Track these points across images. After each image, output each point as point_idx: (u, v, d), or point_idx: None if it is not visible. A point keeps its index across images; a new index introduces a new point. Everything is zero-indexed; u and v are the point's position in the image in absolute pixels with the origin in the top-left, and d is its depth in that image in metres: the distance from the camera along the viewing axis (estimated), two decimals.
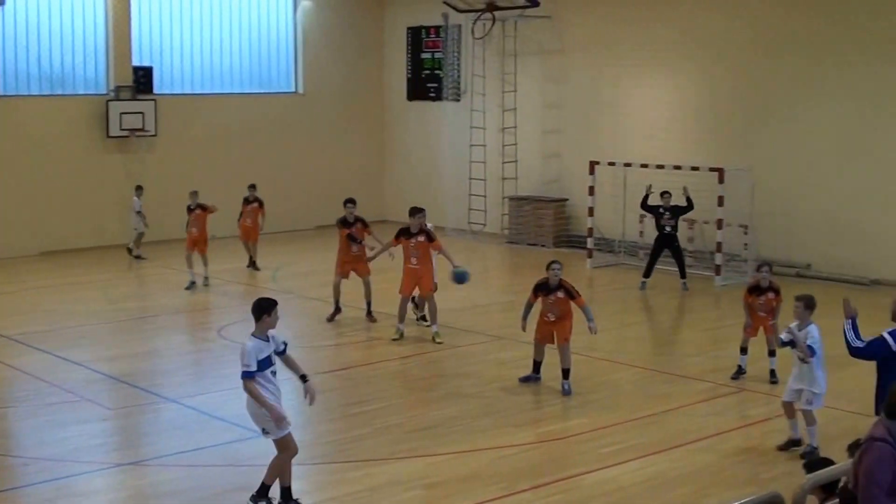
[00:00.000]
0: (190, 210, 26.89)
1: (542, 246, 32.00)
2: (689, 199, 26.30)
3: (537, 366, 18.18)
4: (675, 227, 26.32)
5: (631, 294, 26.25)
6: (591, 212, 29.11)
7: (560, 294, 17.98)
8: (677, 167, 27.75)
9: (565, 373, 17.74)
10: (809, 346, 14.62)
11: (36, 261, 30.06)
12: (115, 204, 31.70)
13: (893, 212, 26.08)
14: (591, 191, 28.98)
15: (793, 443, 14.82)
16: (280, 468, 12.66)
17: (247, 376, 12.42)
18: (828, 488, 9.31)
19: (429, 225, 21.34)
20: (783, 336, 14.81)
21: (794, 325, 14.82)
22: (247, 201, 28.83)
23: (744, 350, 18.45)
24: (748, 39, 28.31)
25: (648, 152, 29.37)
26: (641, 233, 29.45)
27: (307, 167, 36.35)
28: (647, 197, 26.72)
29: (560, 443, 15.17)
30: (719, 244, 26.70)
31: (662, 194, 26.38)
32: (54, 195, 31.58)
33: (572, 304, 18.01)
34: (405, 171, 37.70)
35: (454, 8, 33.69)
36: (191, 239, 26.56)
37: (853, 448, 9.61)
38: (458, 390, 18.07)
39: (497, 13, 32.50)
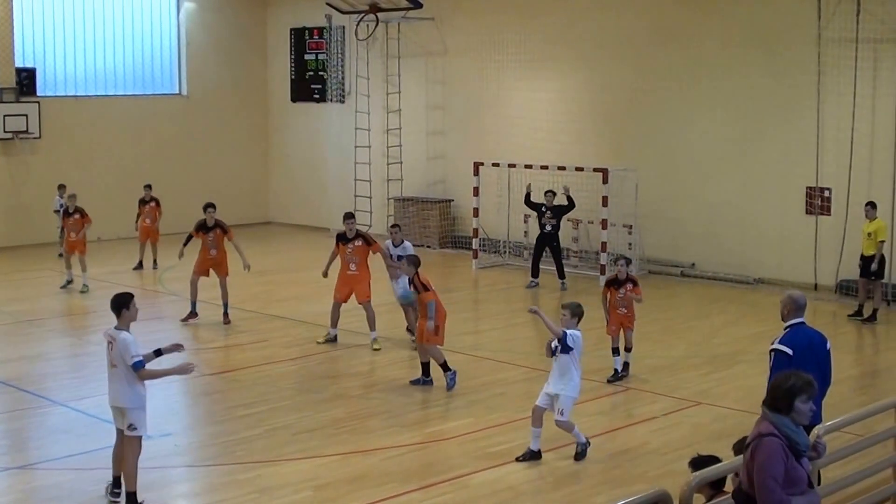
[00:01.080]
0: (68, 214, 26.70)
1: (428, 247, 32.14)
2: (569, 199, 26.63)
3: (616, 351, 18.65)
4: (556, 227, 26.66)
5: (517, 294, 26.50)
6: (476, 212, 29.34)
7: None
8: (561, 168, 28.06)
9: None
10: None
11: None
12: (0, 207, 31.27)
13: (776, 211, 26.57)
14: (476, 192, 29.22)
15: (533, 454, 14.57)
16: (136, 468, 12.71)
17: (140, 366, 12.40)
18: (714, 485, 9.53)
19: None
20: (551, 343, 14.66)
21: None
22: (143, 202, 28.86)
23: (615, 351, 18.67)
24: (633, 37, 28.67)
25: (532, 153, 29.62)
26: (526, 233, 29.75)
27: (192, 169, 36.18)
28: (528, 194, 27.08)
29: (448, 442, 15.27)
30: (604, 244, 27.07)
31: (545, 193, 26.70)
32: None
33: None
34: (290, 173, 37.67)
35: (337, 9, 33.68)
36: (69, 243, 26.45)
37: (739, 446, 9.86)
38: (345, 391, 18.15)
39: (380, 15, 32.54)
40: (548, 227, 26.66)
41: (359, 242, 20.74)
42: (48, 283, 27.32)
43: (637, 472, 14.12)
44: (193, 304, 22.80)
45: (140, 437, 12.65)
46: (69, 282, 26.41)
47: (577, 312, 14.68)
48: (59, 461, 14.64)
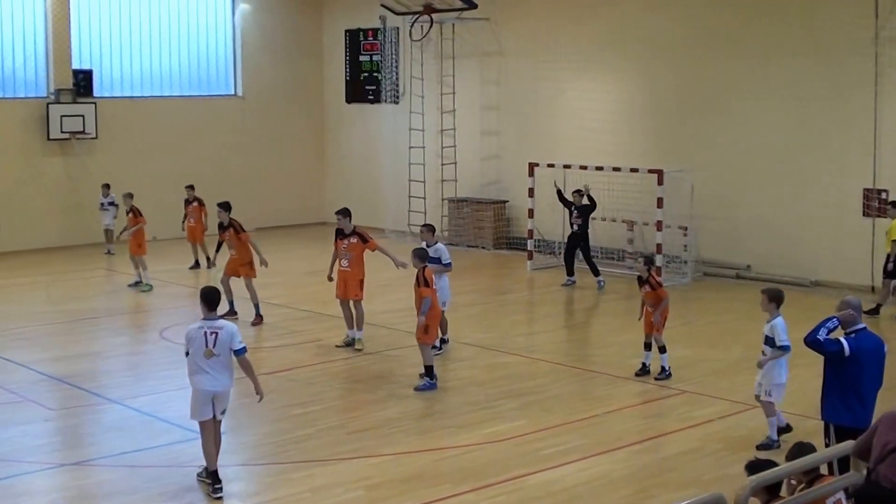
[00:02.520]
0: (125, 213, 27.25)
1: (482, 248, 32.12)
2: (590, 199, 26.71)
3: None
4: (582, 226, 26.76)
5: (571, 295, 26.42)
6: (530, 213, 29.24)
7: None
8: (616, 168, 27.93)
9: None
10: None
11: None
12: (57, 206, 31.51)
13: (832, 213, 26.31)
14: (531, 192, 29.12)
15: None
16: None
17: (245, 351, 13.40)
18: (770, 490, 9.43)
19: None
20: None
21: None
22: (187, 202, 29.03)
23: (647, 346, 18.73)
24: (688, 40, 28.47)
25: (587, 154, 29.48)
26: None
27: (247, 170, 36.29)
28: (560, 191, 27.38)
29: (503, 444, 15.21)
30: (659, 246, 26.90)
31: (573, 192, 26.87)
32: None
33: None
34: (344, 174, 37.72)
35: (392, 10, 33.73)
36: (130, 242, 26.85)
37: (794, 451, 9.79)
38: (399, 392, 18.12)
39: (435, 15, 32.56)
40: (575, 227, 26.82)
41: (354, 239, 20.52)
42: (103, 282, 27.56)
43: (692, 476, 14.03)
44: (230, 303, 22.83)
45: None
46: (138, 282, 26.73)
47: (774, 297, 15.16)
48: (113, 458, 14.74)
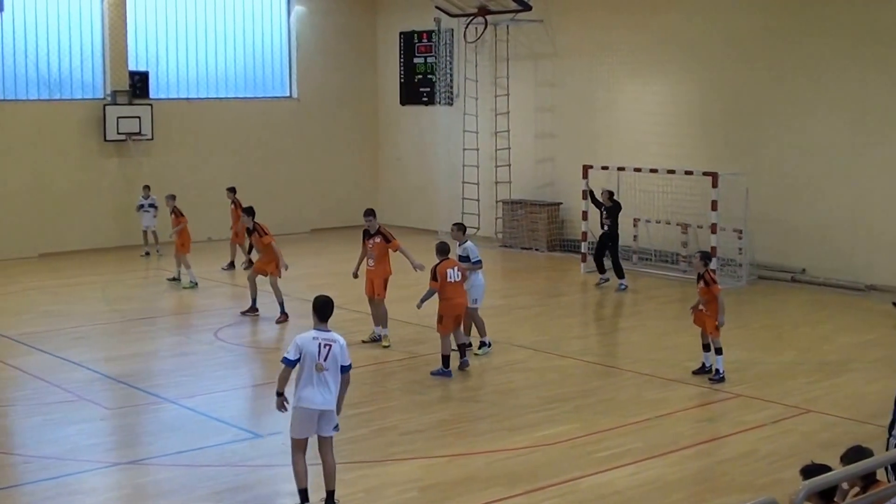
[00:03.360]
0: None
1: (536, 250, 32.12)
2: (613, 200, 26.93)
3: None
4: (610, 227, 26.80)
5: (625, 298, 26.37)
6: (584, 216, 29.18)
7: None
8: (671, 171, 27.88)
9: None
10: None
11: (35, 263, 30.14)
12: (112, 207, 31.77)
13: (889, 216, 26.12)
14: (585, 195, 29.07)
15: None
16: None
17: (350, 368, 12.77)
18: (824, 495, 9.38)
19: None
20: None
21: None
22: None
23: (705, 347, 18.73)
24: (743, 41, 28.31)
25: (641, 156, 29.43)
26: (635, 237, 29.60)
27: (302, 171, 36.48)
28: (591, 192, 27.57)
29: (556, 447, 15.21)
30: (713, 248, 26.78)
31: (602, 192, 27.06)
32: (53, 198, 31.73)
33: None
34: (398, 176, 37.83)
35: (446, 12, 33.79)
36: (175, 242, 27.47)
37: (849, 456, 9.73)
38: (453, 393, 18.20)
39: (489, 17, 32.59)
40: (605, 227, 26.91)
41: (378, 239, 20.97)
42: (159, 282, 27.74)
43: (744, 480, 13.98)
44: (253, 300, 23.68)
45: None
46: (175, 277, 27.43)
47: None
48: (169, 457, 14.85)
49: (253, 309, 23.66)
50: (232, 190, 29.69)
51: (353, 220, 35.57)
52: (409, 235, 35.31)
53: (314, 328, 12.62)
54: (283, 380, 12.64)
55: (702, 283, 18.51)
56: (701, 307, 18.58)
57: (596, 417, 16.54)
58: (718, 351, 18.50)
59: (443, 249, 19.24)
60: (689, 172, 27.58)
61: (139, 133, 32.90)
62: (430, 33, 36.09)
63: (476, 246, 20.40)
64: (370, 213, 21.51)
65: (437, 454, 14.90)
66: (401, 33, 37.18)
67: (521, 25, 32.77)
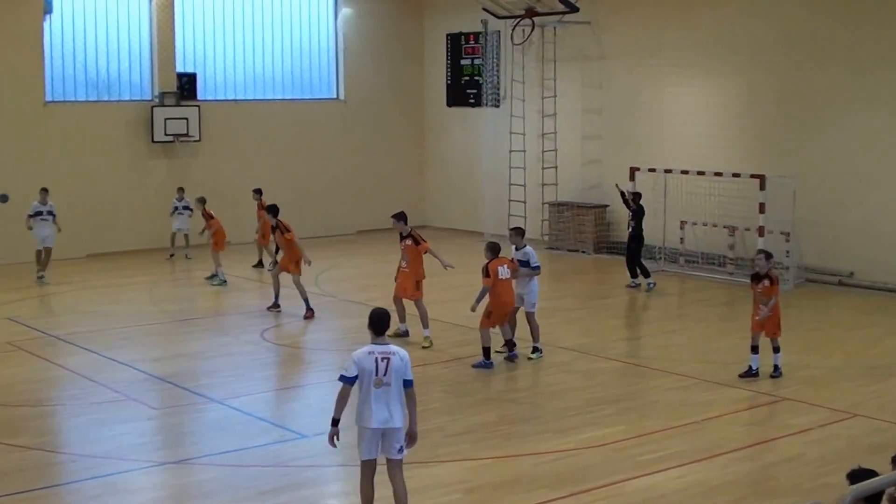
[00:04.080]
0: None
1: (583, 252, 32.05)
2: (637, 204, 27.08)
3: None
4: (634, 229, 26.96)
5: (671, 301, 26.30)
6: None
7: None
8: (718, 173, 27.76)
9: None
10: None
11: (83, 263, 30.34)
12: (160, 208, 31.93)
13: None
14: (623, 195, 28.95)
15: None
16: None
17: (412, 382, 11.95)
18: (871, 501, 9.30)
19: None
20: None
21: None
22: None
23: (754, 349, 18.69)
24: (792, 43, 28.15)
25: (689, 158, 29.33)
26: (682, 239, 29.50)
27: (348, 173, 36.58)
28: (623, 193, 27.57)
29: (600, 449, 15.16)
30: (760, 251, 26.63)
31: (632, 194, 27.29)
32: (100, 199, 31.94)
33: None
34: (445, 177, 37.85)
35: (493, 14, 33.77)
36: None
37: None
38: (497, 395, 18.20)
39: (536, 19, 32.52)
40: (629, 229, 27.21)
41: (409, 242, 21.34)
42: (205, 283, 27.82)
43: (791, 484, 13.88)
44: (276, 296, 24.33)
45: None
46: (213, 275, 27.89)
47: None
48: (214, 457, 14.91)
49: (276, 305, 24.19)
50: (258, 192, 29.70)
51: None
52: (455, 237, 35.38)
53: (371, 342, 11.83)
54: (342, 400, 11.75)
55: (766, 282, 18.50)
56: (762, 307, 18.53)
57: (641, 420, 16.48)
58: (777, 349, 18.58)
59: (493, 248, 19.49)
60: (736, 175, 27.44)
61: (186, 134, 33.08)
62: (477, 35, 36.09)
63: (534, 251, 20.40)
64: (398, 215, 21.72)
65: (482, 456, 14.87)
66: (448, 35, 37.20)
67: (568, 27, 32.70)
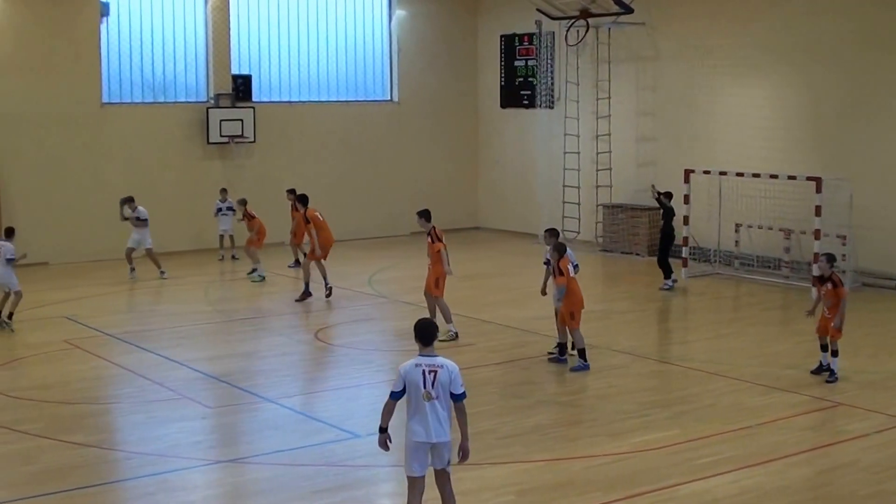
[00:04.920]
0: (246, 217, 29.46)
1: (637, 255, 31.96)
2: (662, 204, 27.25)
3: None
4: (663, 228, 27.22)
5: (726, 303, 26.20)
6: (686, 220, 28.93)
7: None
8: (773, 176, 27.59)
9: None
10: None
11: (138, 263, 30.50)
12: (215, 209, 32.03)
13: None
14: (686, 199, 28.82)
15: None
16: None
17: (465, 396, 11.68)
18: None
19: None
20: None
21: None
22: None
23: (823, 347, 18.74)
24: (850, 45, 27.89)
25: (744, 160, 29.16)
26: (737, 242, 29.35)
27: (402, 174, 36.64)
28: (659, 195, 27.64)
29: (654, 453, 15.11)
30: (816, 255, 26.42)
31: (663, 194, 27.30)
32: (156, 200, 32.02)
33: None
34: (498, 179, 37.83)
35: (547, 15, 33.73)
36: (247, 239, 29.20)
37: None
38: (550, 398, 18.16)
39: (591, 20, 32.46)
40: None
41: (429, 240, 21.79)
42: (261, 283, 27.93)
43: (846, 491, 13.79)
44: (306, 285, 25.58)
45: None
46: (253, 270, 28.53)
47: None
48: (268, 456, 14.99)
49: (307, 294, 25.45)
50: (292, 191, 29.66)
51: (452, 223, 35.73)
52: (508, 239, 35.42)
53: (418, 354, 11.61)
54: (387, 413, 11.60)
55: (829, 285, 18.56)
56: (825, 311, 18.58)
57: (695, 424, 16.40)
58: (835, 353, 18.53)
59: (560, 248, 19.50)
60: (792, 177, 27.25)
61: (241, 136, 33.25)
62: (531, 36, 36.05)
63: (573, 252, 20.38)
64: (423, 214, 22.18)
65: (535, 458, 14.86)
66: (501, 36, 37.18)
67: (623, 28, 32.62)
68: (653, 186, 28.67)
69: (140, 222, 28.43)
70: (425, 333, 11.63)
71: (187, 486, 14.05)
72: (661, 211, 27.50)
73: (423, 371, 11.42)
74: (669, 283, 27.06)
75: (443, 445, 11.54)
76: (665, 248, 27.28)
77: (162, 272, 28.58)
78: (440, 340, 20.56)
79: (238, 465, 14.78)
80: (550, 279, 20.00)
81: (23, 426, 16.24)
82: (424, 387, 11.38)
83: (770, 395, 17.97)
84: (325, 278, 25.68)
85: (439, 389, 11.41)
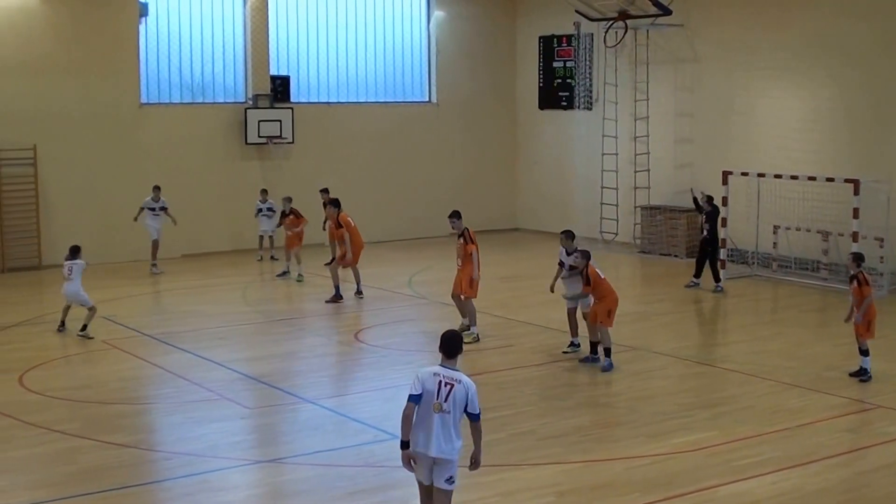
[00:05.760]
0: (285, 214, 29.36)
1: (675, 256, 31.88)
2: (711, 205, 27.17)
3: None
4: (710, 231, 27.02)
5: (765, 305, 26.12)
6: (724, 222, 28.85)
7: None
8: (811, 178, 27.49)
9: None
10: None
11: (177, 263, 30.67)
12: (253, 209, 32.14)
13: None
14: (725, 201, 28.72)
15: None
16: None
17: (479, 416, 11.26)
18: None
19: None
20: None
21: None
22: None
23: (863, 351, 18.75)
24: (887, 45, 27.82)
25: (782, 162, 29.09)
26: (775, 244, 29.27)
27: (440, 175, 36.67)
28: (695, 199, 27.64)
29: (693, 454, 15.09)
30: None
31: (706, 197, 27.31)
32: (195, 200, 32.25)
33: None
34: (536, 180, 37.82)
35: (586, 17, 33.73)
36: (287, 238, 29.13)
37: None
38: (590, 399, 18.17)
39: (629, 22, 32.46)
40: (704, 232, 27.24)
41: (461, 241, 21.96)
42: (299, 284, 28.02)
43: (886, 492, 13.78)
44: (337, 288, 25.54)
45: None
46: (285, 272, 28.80)
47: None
48: (307, 456, 15.03)
49: (338, 297, 25.49)
50: (325, 191, 29.67)
51: (490, 224, 35.78)
52: (547, 240, 35.29)
53: (440, 363, 11.22)
54: (407, 420, 11.09)
55: (854, 284, 18.57)
56: (854, 310, 18.61)
57: (734, 425, 16.37)
58: (866, 352, 18.55)
59: (586, 254, 19.70)
60: (829, 179, 27.13)
61: (280, 136, 33.34)
62: (569, 37, 36.03)
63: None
64: (454, 214, 22.38)
65: (575, 459, 14.87)
66: (540, 37, 37.17)
67: (661, 30, 32.59)
68: (692, 190, 28.55)
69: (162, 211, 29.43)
70: (451, 345, 11.23)
71: (227, 486, 14.11)
72: (704, 215, 27.25)
73: (441, 381, 11.04)
74: (720, 287, 27.03)
75: (445, 463, 11.14)
76: (715, 252, 27.23)
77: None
78: (466, 342, 20.59)
79: (277, 465, 14.83)
80: (564, 281, 20.36)
81: (61, 426, 16.33)
82: (437, 397, 11.00)
83: (808, 397, 17.92)
84: (358, 283, 26.00)
85: (451, 405, 11.01)
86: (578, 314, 20.28)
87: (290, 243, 28.84)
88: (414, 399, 11.05)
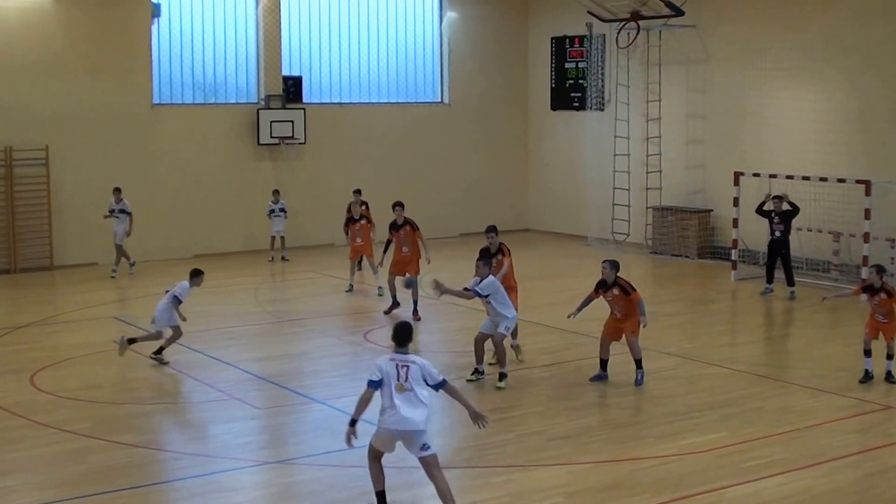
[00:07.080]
0: (354, 220, 27.79)
1: (687, 257, 31.87)
2: (791, 204, 26.61)
3: (603, 364, 19.01)
4: (784, 233, 26.57)
5: (776, 306, 26.07)
6: (735, 223, 28.87)
7: (616, 291, 18.74)
8: (823, 179, 27.47)
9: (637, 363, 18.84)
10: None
11: (189, 263, 30.50)
12: (265, 209, 32.19)
13: None
14: (736, 202, 28.74)
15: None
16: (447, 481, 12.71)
17: (446, 382, 12.66)
18: None
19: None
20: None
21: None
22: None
23: (867, 353, 18.64)
24: None
25: (793, 163, 29.06)
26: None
27: (452, 176, 36.70)
28: (763, 203, 27.05)
29: (702, 455, 15.09)
30: (865, 258, 26.31)
31: (773, 198, 26.56)
32: (207, 200, 32.32)
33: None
34: (548, 181, 37.82)
35: (598, 17, 33.73)
36: (354, 248, 27.65)
37: None
38: (598, 400, 18.16)
39: (641, 22, 32.45)
40: (777, 234, 26.71)
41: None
42: (311, 285, 28.08)
43: (894, 494, 13.79)
44: (394, 297, 24.63)
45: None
46: (352, 287, 27.35)
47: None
48: (317, 457, 15.07)
49: (395, 304, 24.65)
50: (358, 192, 29.57)
51: (502, 224, 35.52)
52: (558, 241, 35.41)
53: (393, 351, 12.65)
54: (363, 402, 12.51)
55: (883, 295, 18.55)
56: (878, 317, 18.63)
57: (743, 426, 16.37)
58: (892, 356, 18.58)
59: (617, 266, 19.08)
60: (841, 180, 27.12)
61: (292, 137, 33.39)
62: (581, 38, 36.03)
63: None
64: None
65: (583, 460, 14.88)
66: (552, 38, 37.17)
67: (674, 31, 32.58)
68: (768, 195, 28.06)
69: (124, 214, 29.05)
70: (402, 334, 12.65)
71: (236, 486, 14.14)
72: (776, 216, 26.61)
73: (397, 365, 12.43)
74: (794, 291, 26.71)
75: (414, 433, 12.35)
76: (788, 255, 26.84)
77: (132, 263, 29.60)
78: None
79: (287, 465, 14.87)
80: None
81: (72, 426, 16.38)
82: (398, 379, 12.36)
83: (818, 398, 17.91)
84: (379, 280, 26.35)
85: (412, 383, 12.35)
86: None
87: (366, 250, 27.62)
88: (373, 385, 12.44)
